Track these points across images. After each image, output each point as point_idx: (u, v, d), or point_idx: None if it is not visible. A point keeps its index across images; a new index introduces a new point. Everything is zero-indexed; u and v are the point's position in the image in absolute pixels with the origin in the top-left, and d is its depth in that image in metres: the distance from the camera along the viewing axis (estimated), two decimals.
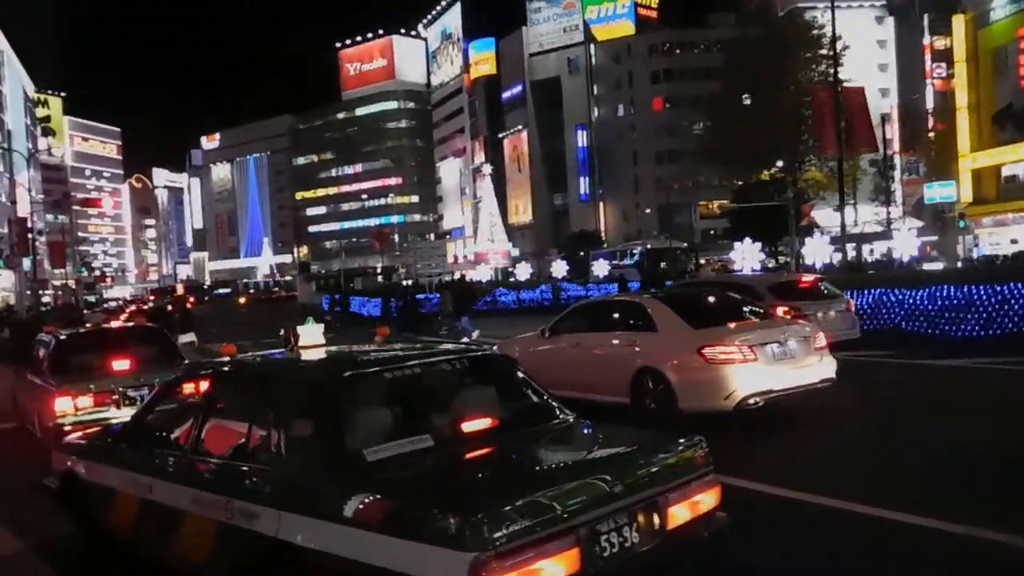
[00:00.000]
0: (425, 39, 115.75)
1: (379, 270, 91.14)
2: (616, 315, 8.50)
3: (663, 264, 36.35)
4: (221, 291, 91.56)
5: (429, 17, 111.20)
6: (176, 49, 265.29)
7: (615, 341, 8.01)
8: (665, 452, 3.32)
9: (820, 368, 7.39)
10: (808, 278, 11.89)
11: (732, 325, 7.40)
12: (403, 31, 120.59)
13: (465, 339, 15.20)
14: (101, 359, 7.97)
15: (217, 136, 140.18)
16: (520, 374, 4.11)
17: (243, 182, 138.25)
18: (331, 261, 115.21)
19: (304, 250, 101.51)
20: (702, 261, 43.51)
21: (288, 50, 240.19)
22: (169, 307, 24.35)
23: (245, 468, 3.46)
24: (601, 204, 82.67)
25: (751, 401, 6.88)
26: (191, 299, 59.10)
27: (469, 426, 3.45)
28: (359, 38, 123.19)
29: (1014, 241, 32.98)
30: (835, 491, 5.05)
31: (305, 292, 62.02)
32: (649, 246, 39.31)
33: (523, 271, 35.95)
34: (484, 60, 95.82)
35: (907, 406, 8.18)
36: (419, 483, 2.97)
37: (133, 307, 61.31)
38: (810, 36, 43.37)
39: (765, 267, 30.29)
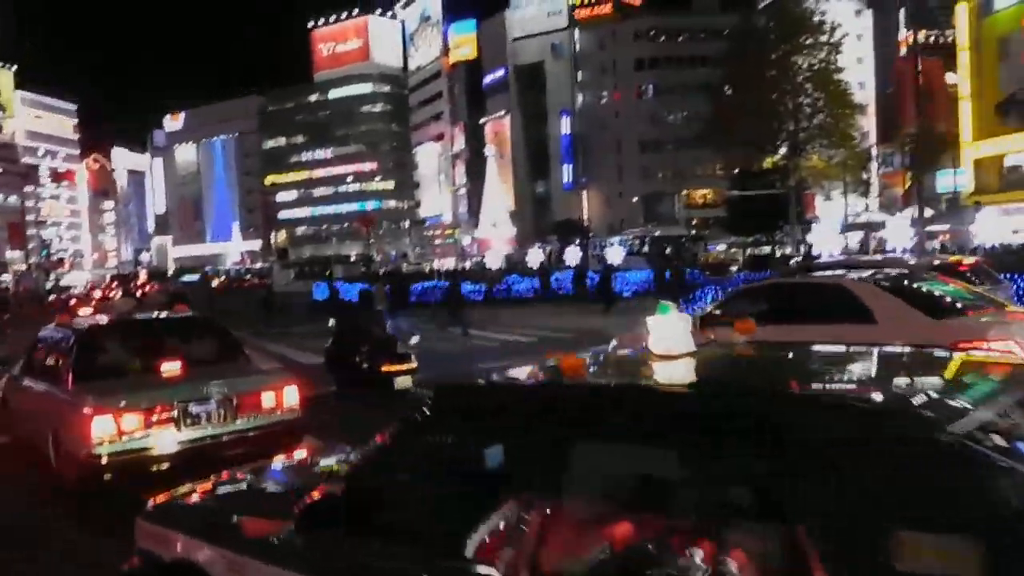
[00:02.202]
0: (402, 21, 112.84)
1: (353, 258, 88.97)
2: (808, 303, 6.87)
3: (668, 251, 35.06)
4: (187, 278, 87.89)
5: None
6: (137, 23, 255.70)
7: (815, 336, 6.31)
8: None
9: None
10: (968, 260, 10.50)
11: (976, 315, 5.85)
12: (379, 11, 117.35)
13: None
14: (143, 361, 6.13)
15: (181, 116, 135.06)
16: None
17: (209, 164, 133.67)
18: (303, 248, 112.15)
19: (282, 235, 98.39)
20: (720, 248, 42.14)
21: (257, 27, 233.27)
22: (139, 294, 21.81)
23: None
24: (585, 192, 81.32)
25: None
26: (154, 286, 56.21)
27: None
28: (333, 17, 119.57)
29: (1015, 232, 32.35)
30: None
31: (282, 279, 59.57)
32: (657, 234, 38.00)
33: (535, 257, 34.27)
34: (465, 43, 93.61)
35: None
36: None
37: (98, 293, 58.00)
38: (809, 23, 42.35)
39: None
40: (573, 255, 32.57)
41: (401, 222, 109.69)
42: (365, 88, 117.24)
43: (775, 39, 41.87)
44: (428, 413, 2.46)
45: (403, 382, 8.82)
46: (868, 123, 62.41)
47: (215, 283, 69.83)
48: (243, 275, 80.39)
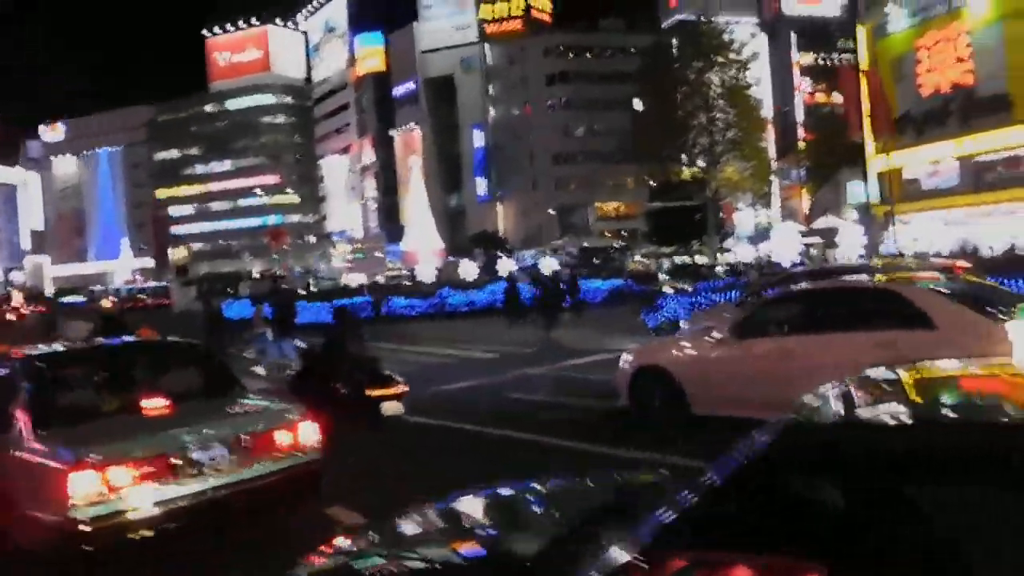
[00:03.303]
0: (305, 32, 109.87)
1: (255, 274, 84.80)
2: (855, 309, 6.42)
3: (595, 261, 35.17)
4: (70, 299, 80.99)
5: (310, 8, 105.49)
6: (7, 24, 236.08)
7: (866, 345, 5.93)
8: None
9: None
10: (962, 263, 10.51)
11: None
12: (280, 22, 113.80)
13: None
14: (119, 398, 4.93)
15: (61, 126, 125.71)
16: None
17: (93, 177, 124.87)
18: (199, 264, 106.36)
19: (180, 251, 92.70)
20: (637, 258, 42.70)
21: (146, 33, 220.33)
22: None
23: None
24: (499, 205, 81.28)
25: None
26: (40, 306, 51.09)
27: None
28: (230, 26, 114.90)
29: (915, 240, 34.27)
30: None
31: (183, 298, 55.73)
32: (585, 244, 38.08)
33: (469, 270, 33.36)
34: (372, 55, 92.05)
35: None
36: None
37: None
38: (720, 41, 44.09)
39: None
40: (504, 267, 31.93)
41: (306, 237, 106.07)
42: (266, 99, 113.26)
43: (689, 55, 43.18)
44: (773, 461, 1.71)
45: (392, 407, 7.82)
46: (767, 139, 65.60)
47: (107, 304, 64.55)
48: (135, 295, 74.86)
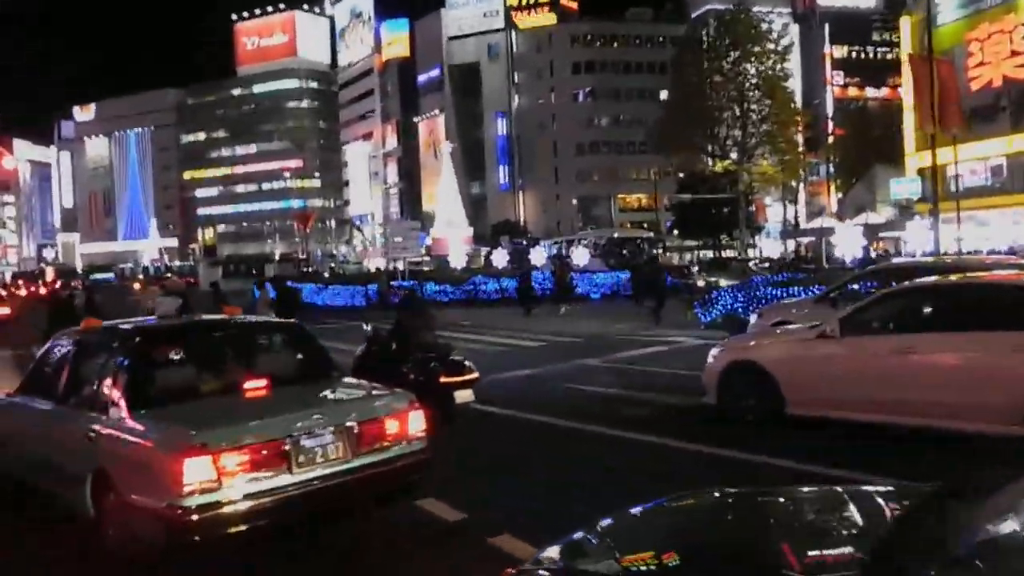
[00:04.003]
0: (331, 17, 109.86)
1: (278, 257, 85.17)
2: (994, 306, 5.96)
3: (624, 253, 34.76)
4: (100, 276, 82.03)
5: None
6: (47, 9, 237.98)
7: (1005, 346, 5.54)
8: None
9: None
10: None
11: None
12: (306, 7, 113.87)
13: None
14: (221, 379, 4.69)
15: (92, 107, 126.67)
16: None
17: (122, 158, 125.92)
18: (223, 246, 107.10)
19: (209, 232, 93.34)
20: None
21: (176, 17, 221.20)
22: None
23: None
24: (520, 194, 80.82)
25: None
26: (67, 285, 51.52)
27: None
28: (258, 11, 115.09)
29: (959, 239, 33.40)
30: None
31: (209, 278, 56.03)
32: (616, 235, 37.71)
33: (500, 258, 33.14)
34: (397, 41, 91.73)
35: None
36: None
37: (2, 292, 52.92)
38: (758, 31, 43.28)
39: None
40: (537, 256, 31.63)
41: (328, 221, 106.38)
42: (292, 83, 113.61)
43: (725, 45, 42.41)
44: None
45: (464, 395, 7.57)
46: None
47: (136, 285, 65.28)
48: (163, 273, 75.54)
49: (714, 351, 7.32)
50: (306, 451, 4.05)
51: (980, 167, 35.54)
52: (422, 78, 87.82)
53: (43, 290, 59.11)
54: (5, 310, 28.30)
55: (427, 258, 45.35)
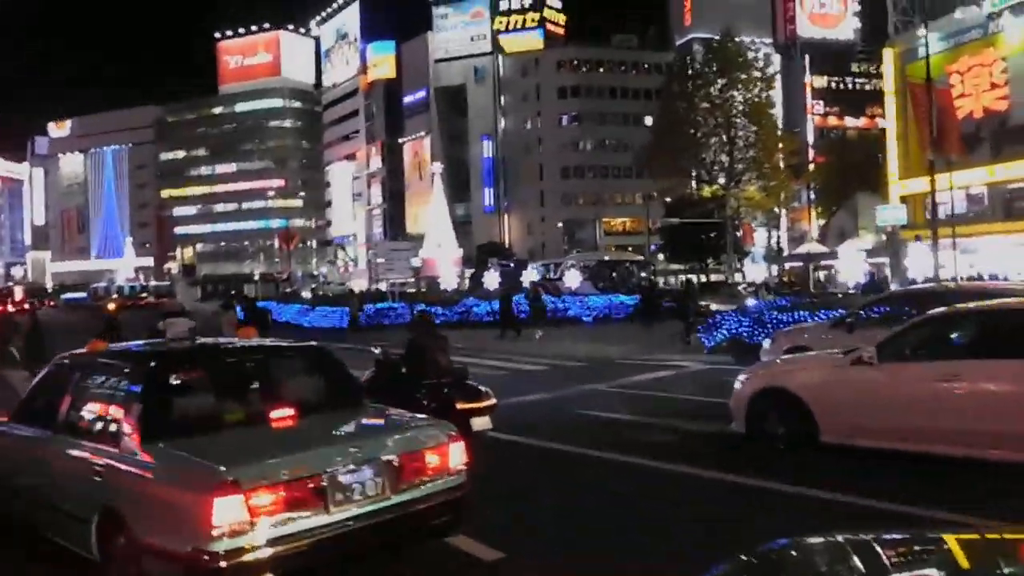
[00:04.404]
0: (316, 37, 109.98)
1: (258, 277, 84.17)
2: None
3: (613, 275, 34.70)
4: (72, 296, 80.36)
5: (323, 15, 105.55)
6: (18, 19, 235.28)
7: None
8: None
9: None
10: None
11: None
12: (291, 27, 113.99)
13: None
14: (245, 408, 4.30)
15: (68, 123, 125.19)
16: None
17: (98, 175, 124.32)
18: (201, 265, 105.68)
19: (188, 251, 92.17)
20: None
21: (156, 34, 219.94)
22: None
23: None
24: (506, 216, 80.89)
25: None
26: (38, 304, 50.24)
27: None
28: (242, 30, 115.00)
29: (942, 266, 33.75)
30: None
31: (188, 298, 55.07)
32: (607, 258, 37.64)
33: (492, 280, 32.82)
34: (383, 62, 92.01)
35: None
36: None
37: None
38: (745, 59, 43.89)
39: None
40: (530, 278, 31.40)
41: (309, 241, 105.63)
42: (275, 103, 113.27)
43: (713, 72, 42.89)
44: None
45: (481, 423, 7.22)
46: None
47: (111, 305, 63.92)
48: (138, 293, 74.10)
49: (742, 376, 7.07)
50: (344, 488, 3.69)
51: (960, 195, 36.04)
52: (408, 99, 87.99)
53: (11, 308, 57.63)
54: None
55: (411, 280, 45.05)
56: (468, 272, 51.33)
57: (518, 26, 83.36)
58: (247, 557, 3.37)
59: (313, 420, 4.20)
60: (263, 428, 4.04)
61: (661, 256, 53.75)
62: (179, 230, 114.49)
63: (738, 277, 45.31)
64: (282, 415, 4.10)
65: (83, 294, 79.89)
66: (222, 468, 3.45)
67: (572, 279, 29.76)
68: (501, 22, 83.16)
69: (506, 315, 21.90)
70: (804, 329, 10.47)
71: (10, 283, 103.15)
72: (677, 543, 4.69)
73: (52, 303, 49.62)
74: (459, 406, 7.17)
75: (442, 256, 43.96)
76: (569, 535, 4.99)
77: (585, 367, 14.02)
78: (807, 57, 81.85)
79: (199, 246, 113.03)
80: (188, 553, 3.36)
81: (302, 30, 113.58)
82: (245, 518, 3.36)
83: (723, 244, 42.38)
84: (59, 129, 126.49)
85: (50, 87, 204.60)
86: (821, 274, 41.21)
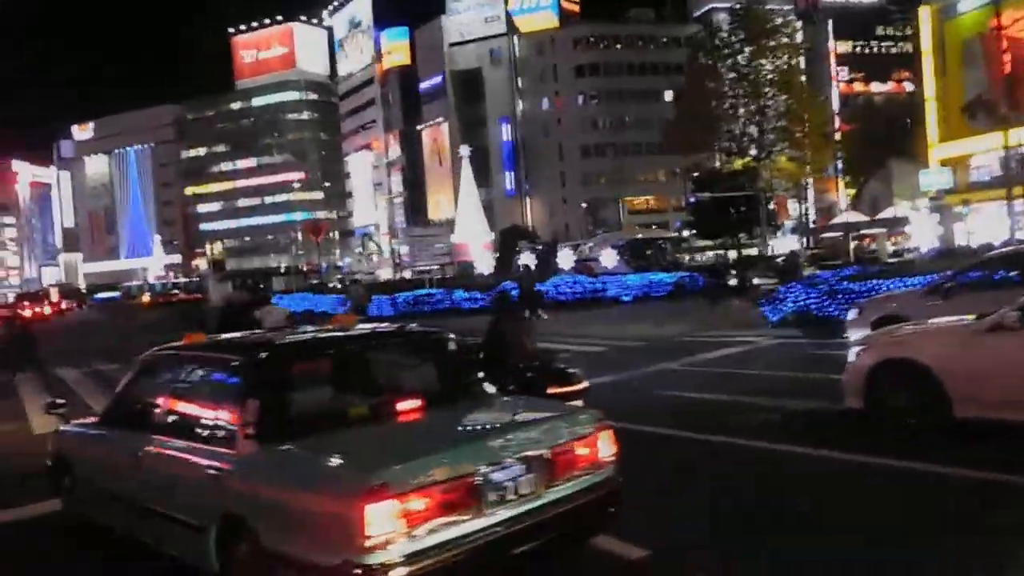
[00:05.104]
0: (329, 28, 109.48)
1: (283, 269, 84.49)
2: None
3: (648, 253, 34.08)
4: (104, 295, 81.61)
5: (335, 5, 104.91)
6: (39, 26, 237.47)
7: None
8: None
9: None
10: None
11: None
12: (304, 18, 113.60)
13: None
14: (368, 403, 3.86)
15: (91, 125, 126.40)
16: None
17: (123, 176, 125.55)
18: (226, 260, 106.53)
19: (218, 247, 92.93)
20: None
21: (172, 33, 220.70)
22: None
23: None
24: (527, 199, 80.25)
25: None
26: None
27: None
28: (255, 24, 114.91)
29: (970, 233, 32.76)
30: None
31: (219, 293, 55.29)
32: (639, 236, 37.00)
33: (529, 262, 32.41)
34: (397, 49, 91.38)
35: None
36: None
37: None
38: (773, 25, 42.76)
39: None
40: (565, 259, 30.95)
41: (331, 233, 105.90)
42: (291, 95, 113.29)
43: (741, 41, 41.84)
44: None
45: None
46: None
47: (145, 298, 64.83)
48: (169, 289, 74.90)
49: (856, 348, 6.57)
50: (497, 487, 3.29)
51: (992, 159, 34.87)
52: (424, 85, 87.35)
53: (48, 310, 58.59)
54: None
55: (435, 267, 44.73)
56: (494, 256, 50.93)
57: (532, 5, 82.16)
58: (400, 570, 2.98)
59: (444, 413, 3.81)
60: (392, 424, 3.66)
61: (685, 233, 52.92)
62: (204, 226, 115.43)
63: (770, 250, 44.47)
64: (410, 408, 3.71)
65: (116, 293, 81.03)
66: (366, 470, 3.06)
67: (608, 259, 29.21)
68: (515, 1, 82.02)
69: (530, 297, 21.12)
70: (893, 297, 9.90)
71: (47, 285, 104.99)
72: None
73: (81, 304, 50.76)
74: (550, 391, 6.75)
75: (474, 241, 43.54)
76: (723, 528, 4.55)
77: (645, 346, 13.57)
78: (830, 22, 79.88)
79: (226, 241, 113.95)
80: (338, 566, 2.99)
81: (315, 21, 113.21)
82: (398, 526, 2.97)
83: (755, 218, 41.50)
84: (82, 131, 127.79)
85: (54, 87, 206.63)
86: (866, 243, 40.17)
